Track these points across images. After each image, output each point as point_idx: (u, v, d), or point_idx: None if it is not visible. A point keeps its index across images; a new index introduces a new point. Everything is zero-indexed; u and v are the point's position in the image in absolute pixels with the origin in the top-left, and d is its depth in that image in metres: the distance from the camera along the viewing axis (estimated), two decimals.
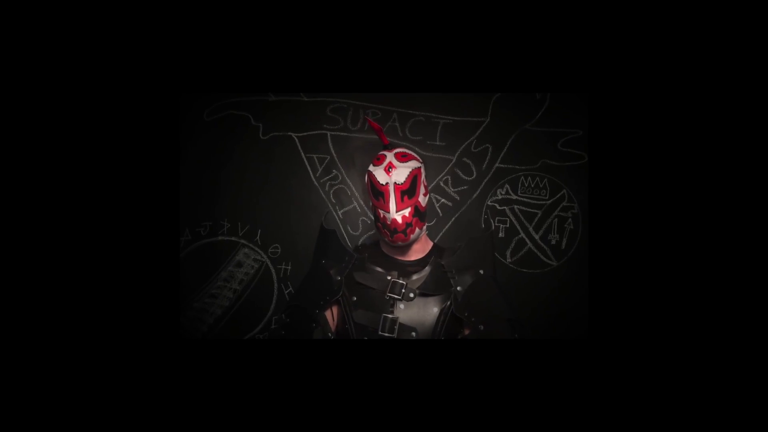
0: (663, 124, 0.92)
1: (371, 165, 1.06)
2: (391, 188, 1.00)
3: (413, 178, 1.01)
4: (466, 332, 1.00)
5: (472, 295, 1.03)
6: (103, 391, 0.84)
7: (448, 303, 1.00)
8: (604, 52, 0.97)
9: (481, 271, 1.05)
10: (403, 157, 1.03)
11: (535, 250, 1.60)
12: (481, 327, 0.96)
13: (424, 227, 1.08)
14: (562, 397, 0.86)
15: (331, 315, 1.11)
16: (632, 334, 0.88)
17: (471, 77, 1.23)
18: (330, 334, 1.07)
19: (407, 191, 1.01)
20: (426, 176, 1.09)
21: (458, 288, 1.01)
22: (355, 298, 1.07)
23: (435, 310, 1.01)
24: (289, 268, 1.64)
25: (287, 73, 1.23)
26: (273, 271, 1.64)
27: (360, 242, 1.61)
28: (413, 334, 0.98)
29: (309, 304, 1.11)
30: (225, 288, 1.62)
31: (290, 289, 1.63)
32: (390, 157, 1.03)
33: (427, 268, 1.05)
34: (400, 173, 1.01)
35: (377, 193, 1.02)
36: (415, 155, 1.07)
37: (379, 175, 1.02)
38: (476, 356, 0.88)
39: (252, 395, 0.89)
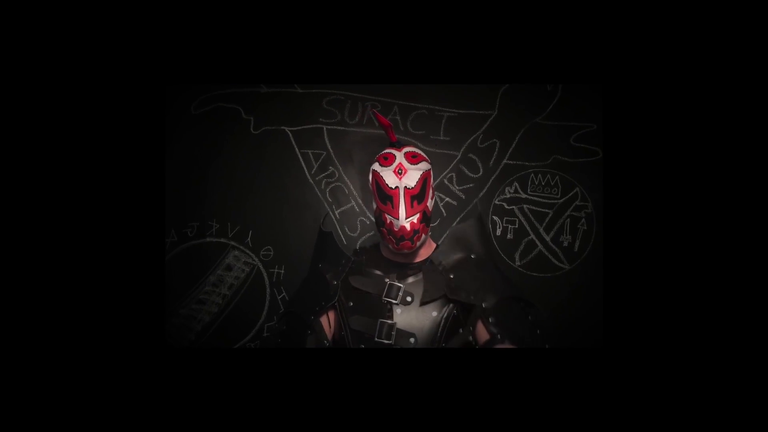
0: (683, 117, 0.92)
1: (377, 163, 1.04)
2: (401, 193, 0.98)
3: (424, 181, 1.00)
4: (479, 326, 0.96)
5: (463, 275, 1.01)
6: (84, 404, 0.84)
7: (450, 306, 0.99)
8: (620, 39, 0.97)
9: (473, 256, 1.05)
10: (413, 158, 1.02)
11: (546, 253, 1.60)
12: (484, 304, 0.95)
13: (429, 231, 1.07)
14: (574, 411, 0.85)
15: (327, 321, 1.11)
16: (650, 342, 0.88)
17: (477, 67, 1.23)
18: (326, 342, 1.07)
19: (417, 196, 0.99)
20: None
21: (450, 276, 1.00)
22: (351, 304, 1.07)
23: (435, 314, 1.00)
24: (282, 271, 1.64)
25: (280, 62, 1.23)
26: (265, 275, 1.64)
27: (359, 244, 1.61)
28: (412, 340, 0.98)
29: (304, 309, 1.11)
30: (213, 293, 1.62)
31: (283, 294, 1.63)
32: (400, 157, 1.01)
33: (422, 272, 1.05)
34: (412, 177, 0.99)
35: (385, 197, 1.00)
36: (425, 155, 1.06)
37: (388, 177, 1.00)
38: (481, 365, 0.87)
39: (242, 408, 0.89)
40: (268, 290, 1.63)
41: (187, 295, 1.61)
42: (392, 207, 1.00)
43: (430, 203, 1.04)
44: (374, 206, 1.06)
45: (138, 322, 0.88)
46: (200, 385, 0.90)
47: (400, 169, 1.01)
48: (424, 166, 1.03)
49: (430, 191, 1.04)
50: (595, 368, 0.87)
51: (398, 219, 0.99)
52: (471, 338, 0.99)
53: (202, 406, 0.89)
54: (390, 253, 1.10)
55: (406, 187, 1.00)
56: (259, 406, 0.89)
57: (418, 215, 1.00)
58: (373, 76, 1.35)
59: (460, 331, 0.98)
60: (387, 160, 1.04)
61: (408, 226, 0.99)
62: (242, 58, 1.17)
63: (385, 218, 1.02)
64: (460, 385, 0.83)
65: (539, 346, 0.96)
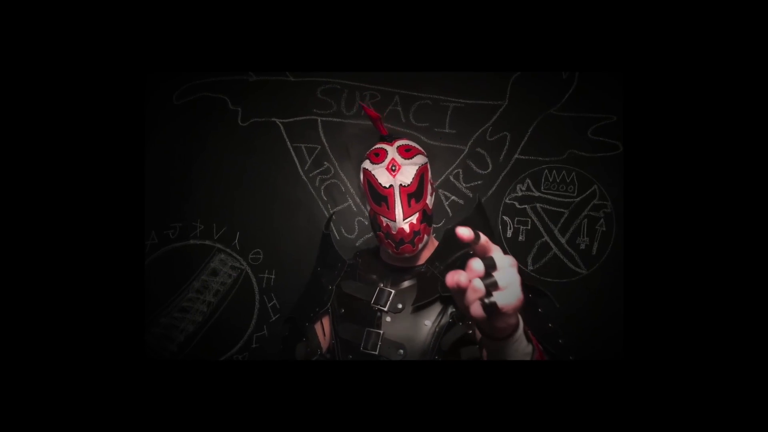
0: (714, 107, 0.91)
1: (367, 161, 1.03)
2: (397, 192, 0.97)
3: (421, 176, 0.99)
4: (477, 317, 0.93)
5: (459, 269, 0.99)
6: (53, 423, 0.83)
7: (446, 313, 0.98)
8: (643, 21, 0.96)
9: (471, 252, 1.03)
10: (407, 152, 1.00)
11: (562, 257, 1.60)
12: (487, 300, 0.91)
13: (432, 232, 1.07)
14: (593, 429, 0.85)
15: (322, 329, 1.12)
16: (675, 355, 0.87)
17: (486, 53, 1.22)
18: (319, 351, 1.08)
19: (415, 194, 0.98)
20: (431, 170, 1.07)
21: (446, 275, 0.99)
22: (342, 311, 1.07)
23: (427, 324, 0.98)
24: (273, 277, 1.64)
25: (270, 48, 1.22)
26: (254, 280, 1.64)
27: (358, 245, 1.61)
28: (401, 352, 0.96)
29: (301, 315, 1.12)
30: (197, 301, 1.61)
31: (274, 301, 1.63)
32: (392, 152, 1.00)
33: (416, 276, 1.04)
34: (407, 173, 0.97)
35: (378, 197, 0.99)
36: (419, 147, 1.05)
37: (381, 175, 0.98)
38: (478, 381, 0.83)
39: (227, 426, 0.89)
40: (257, 297, 1.63)
41: (168, 302, 1.61)
42: (388, 208, 0.98)
43: (430, 200, 1.02)
44: (368, 208, 1.06)
45: (114, 332, 0.87)
46: (182, 401, 0.90)
47: (393, 165, 0.99)
48: (419, 159, 1.01)
49: (429, 187, 1.03)
50: (614, 383, 0.87)
51: (395, 221, 0.97)
52: (471, 331, 0.96)
53: (184, 424, 0.88)
54: (389, 257, 1.10)
55: (401, 184, 0.98)
56: (246, 424, 0.89)
57: (417, 215, 0.99)
58: (372, 63, 1.34)
59: (460, 324, 0.96)
60: (378, 157, 1.01)
61: (407, 228, 0.97)
62: (229, 43, 1.17)
63: (381, 221, 1.01)
64: (451, 404, 0.80)
65: (551, 342, 0.93)
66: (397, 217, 0.97)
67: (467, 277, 0.52)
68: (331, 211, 1.53)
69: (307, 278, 1.22)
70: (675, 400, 0.85)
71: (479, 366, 0.76)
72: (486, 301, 0.51)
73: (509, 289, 0.52)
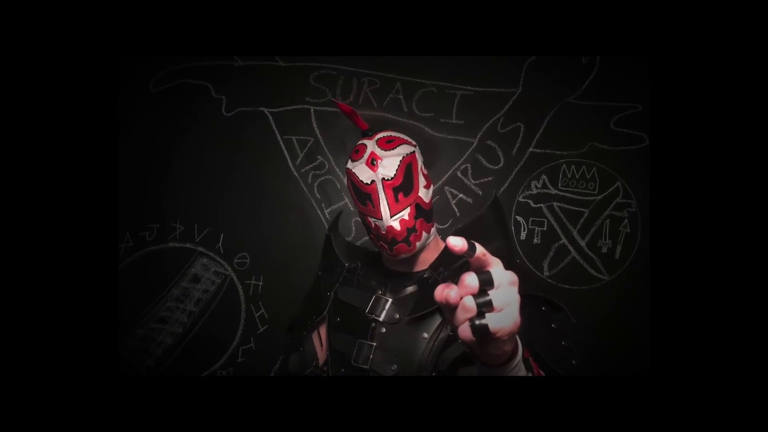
0: (749, 95, 0.91)
1: (349, 160, 1.04)
2: (380, 187, 0.97)
3: (407, 167, 0.99)
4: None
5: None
6: None
7: (447, 326, 0.97)
8: (670, 1, 0.96)
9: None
10: (388, 143, 1.01)
11: (581, 261, 1.60)
12: (477, 322, 0.90)
13: (433, 229, 1.07)
14: None
15: (319, 339, 1.14)
16: (707, 370, 0.87)
17: (498, 35, 1.23)
18: (314, 363, 1.09)
19: (401, 187, 0.98)
20: (432, 163, 1.07)
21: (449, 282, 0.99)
22: (338, 319, 1.08)
23: (425, 336, 0.97)
24: (261, 283, 1.64)
25: (257, 30, 1.22)
26: (240, 287, 1.64)
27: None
28: (394, 367, 0.97)
29: (299, 323, 1.15)
30: (177, 310, 1.61)
31: (262, 311, 1.63)
32: (371, 146, 1.01)
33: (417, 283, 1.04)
34: (388, 165, 0.98)
35: (362, 195, 1.00)
36: (406, 138, 1.05)
37: (361, 171, 0.99)
38: (485, 402, 0.78)
39: None
40: (243, 306, 1.63)
41: (144, 312, 1.61)
42: (373, 206, 0.99)
43: (424, 193, 1.02)
44: (358, 211, 1.06)
45: (83, 345, 0.87)
46: (160, 422, 0.90)
47: (372, 159, 0.99)
48: (404, 149, 1.01)
49: (421, 178, 1.02)
50: (640, 402, 0.87)
51: (382, 219, 0.98)
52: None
53: None
54: (390, 262, 1.10)
55: (383, 178, 0.98)
56: None
57: (408, 210, 0.99)
58: (371, 46, 1.34)
59: (459, 341, 0.96)
60: (358, 153, 1.02)
61: (397, 225, 0.97)
62: (211, 24, 1.17)
63: (369, 222, 1.01)
64: (447, 429, 0.78)
65: (563, 364, 0.93)
66: (383, 214, 0.97)
67: (458, 293, 0.50)
68: (339, 212, 1.53)
69: (309, 283, 1.24)
70: (706, 420, 0.85)
71: (480, 383, 0.72)
72: (476, 322, 0.49)
73: (505, 311, 0.50)
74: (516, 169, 1.64)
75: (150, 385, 1.00)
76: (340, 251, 1.24)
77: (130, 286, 1.61)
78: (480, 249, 0.51)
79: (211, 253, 1.65)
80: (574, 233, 1.61)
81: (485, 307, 0.50)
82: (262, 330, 1.63)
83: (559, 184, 1.63)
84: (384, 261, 1.14)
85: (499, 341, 0.52)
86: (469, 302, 0.49)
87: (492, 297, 0.50)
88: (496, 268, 0.52)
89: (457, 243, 0.49)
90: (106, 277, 0.93)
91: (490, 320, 0.49)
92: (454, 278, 1.02)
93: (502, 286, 0.51)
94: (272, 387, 1.00)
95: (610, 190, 1.61)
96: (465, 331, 0.50)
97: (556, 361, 0.89)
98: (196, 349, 1.61)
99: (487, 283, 0.50)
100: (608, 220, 1.60)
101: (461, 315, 0.50)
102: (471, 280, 0.50)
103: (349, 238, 1.63)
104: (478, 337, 0.50)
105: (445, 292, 0.50)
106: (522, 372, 0.63)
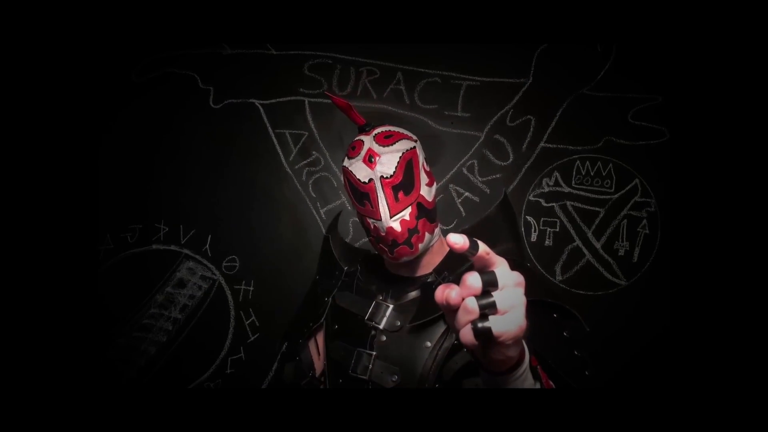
0: None
1: (345, 158, 1.05)
2: (378, 185, 0.98)
3: (407, 164, 1.00)
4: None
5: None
6: None
7: (451, 333, 0.97)
8: None
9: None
10: (387, 138, 1.01)
11: (597, 265, 1.60)
12: (480, 325, 0.91)
13: (437, 230, 1.07)
14: None
15: (316, 347, 1.14)
16: (731, 383, 0.87)
17: (507, 22, 1.23)
18: (311, 373, 1.10)
19: (402, 185, 0.98)
20: (436, 159, 1.07)
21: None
22: (336, 326, 1.09)
23: (428, 345, 0.98)
24: (251, 289, 1.64)
25: (248, 16, 1.23)
26: (229, 293, 1.64)
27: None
28: (394, 378, 0.98)
29: (295, 331, 1.15)
30: (161, 317, 1.62)
31: (252, 318, 1.63)
32: (368, 141, 1.01)
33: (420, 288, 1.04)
34: (387, 161, 0.98)
35: (360, 195, 1.00)
36: (405, 132, 1.06)
37: (358, 169, 0.99)
38: (492, 417, 0.78)
39: None
40: (232, 313, 1.63)
41: (127, 319, 1.61)
42: (371, 206, 0.99)
43: (427, 191, 1.02)
44: (356, 212, 1.07)
45: (61, 355, 0.88)
46: None
47: (370, 156, 1.00)
48: (403, 145, 1.01)
49: (423, 175, 1.02)
50: (659, 416, 0.87)
51: (381, 220, 0.98)
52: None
53: None
54: (392, 265, 1.10)
55: (382, 176, 0.98)
56: None
57: (409, 209, 0.99)
58: (371, 33, 1.35)
59: (464, 350, 0.97)
60: (354, 150, 1.02)
61: (397, 226, 0.97)
62: (198, 10, 1.17)
63: (368, 223, 1.01)
64: None
65: (576, 376, 0.93)
66: (382, 214, 0.97)
67: (459, 293, 0.50)
68: (339, 211, 1.54)
69: (303, 289, 1.24)
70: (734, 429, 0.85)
71: (487, 396, 0.72)
72: (479, 325, 0.49)
73: (510, 314, 0.50)
74: (526, 165, 1.64)
75: (132, 398, 1.00)
76: (340, 254, 1.24)
77: (111, 292, 1.60)
78: (483, 247, 0.51)
79: (197, 256, 1.65)
80: (589, 234, 1.61)
81: (488, 309, 0.49)
82: (252, 339, 1.63)
83: (573, 182, 1.63)
84: (386, 264, 1.14)
85: (503, 346, 0.52)
86: (471, 304, 0.49)
87: (496, 298, 0.49)
88: (501, 267, 0.52)
89: (457, 240, 0.48)
90: (84, 282, 0.93)
91: (494, 323, 0.49)
92: (444, 269, 1.03)
93: (507, 287, 0.51)
94: (263, 400, 1.00)
95: (627, 188, 1.61)
96: (467, 334, 0.50)
97: (568, 372, 0.89)
98: (181, 359, 1.61)
99: (490, 283, 0.50)
100: (626, 220, 1.60)
101: (463, 317, 0.50)
102: (473, 280, 0.50)
103: (345, 240, 1.63)
104: (480, 341, 0.50)
105: (445, 292, 0.50)
106: (529, 381, 0.62)
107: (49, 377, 0.89)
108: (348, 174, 1.04)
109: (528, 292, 0.72)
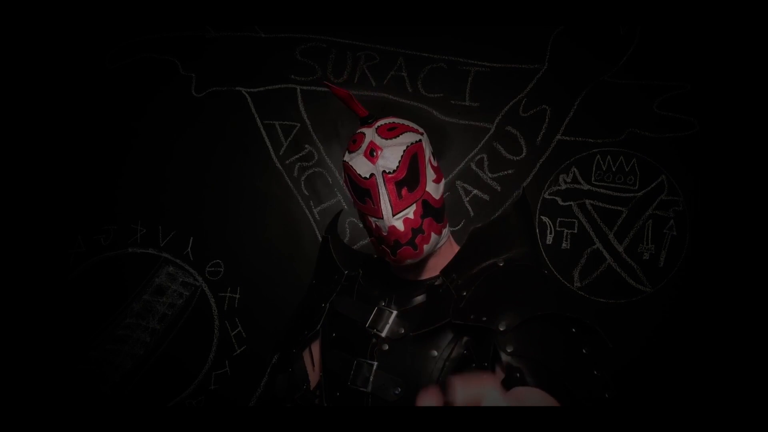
0: None
1: (345, 152, 1.06)
2: (380, 181, 0.98)
3: (411, 158, 1.01)
4: (498, 367, 0.94)
5: (482, 291, 1.00)
6: None
7: (460, 341, 0.97)
8: None
9: (501, 263, 1.05)
10: (390, 131, 1.02)
11: (619, 269, 1.60)
12: (500, 327, 0.92)
13: (445, 230, 1.07)
14: None
15: (311, 357, 1.15)
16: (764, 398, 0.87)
17: (520, 2, 1.23)
18: (305, 386, 1.10)
19: (405, 181, 0.99)
20: (442, 153, 1.07)
21: (463, 293, 1.00)
22: (334, 335, 1.09)
23: (434, 354, 0.98)
24: (237, 296, 1.64)
25: None
26: (212, 301, 1.64)
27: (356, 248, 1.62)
28: (397, 390, 0.98)
29: (288, 340, 1.15)
30: (138, 328, 1.62)
31: (239, 328, 1.63)
32: (370, 134, 1.01)
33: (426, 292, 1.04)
34: (390, 155, 0.99)
35: (361, 192, 1.01)
36: (411, 124, 1.07)
37: (359, 164, 1.00)
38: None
39: None
40: (216, 323, 1.63)
41: (100, 330, 1.61)
42: (373, 204, 0.99)
43: (433, 188, 1.03)
44: (356, 209, 1.08)
45: (27, 369, 0.88)
46: None
47: (372, 149, 1.00)
48: (408, 138, 1.01)
49: (429, 170, 1.03)
50: (692, 429, 0.87)
51: (383, 219, 0.99)
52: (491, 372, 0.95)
53: None
54: (396, 268, 1.11)
55: (384, 171, 0.99)
56: None
57: (414, 207, 1.00)
58: (369, 15, 1.35)
59: (472, 365, 0.97)
60: (355, 143, 1.03)
61: (400, 226, 0.98)
62: None
63: (370, 222, 1.02)
64: None
65: (593, 397, 0.93)
66: (384, 213, 0.98)
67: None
68: (339, 211, 1.54)
69: (294, 296, 1.25)
70: None
71: (499, 413, 0.74)
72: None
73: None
74: (541, 160, 1.64)
75: (106, 416, 1.00)
76: (340, 257, 1.24)
77: (82, 300, 1.60)
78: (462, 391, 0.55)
79: (178, 260, 1.65)
80: (610, 236, 1.61)
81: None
82: (238, 351, 1.63)
83: (593, 178, 1.63)
84: (390, 268, 1.15)
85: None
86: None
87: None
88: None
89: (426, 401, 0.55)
90: (52, 289, 0.93)
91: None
92: (470, 286, 1.03)
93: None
94: (251, 419, 1.00)
95: (653, 186, 1.61)
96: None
97: (587, 395, 0.89)
98: (160, 374, 1.61)
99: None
100: (651, 221, 1.60)
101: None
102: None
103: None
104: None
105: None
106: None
107: (12, 396, 0.89)
108: (348, 169, 1.05)
109: (540, 308, 0.74)
